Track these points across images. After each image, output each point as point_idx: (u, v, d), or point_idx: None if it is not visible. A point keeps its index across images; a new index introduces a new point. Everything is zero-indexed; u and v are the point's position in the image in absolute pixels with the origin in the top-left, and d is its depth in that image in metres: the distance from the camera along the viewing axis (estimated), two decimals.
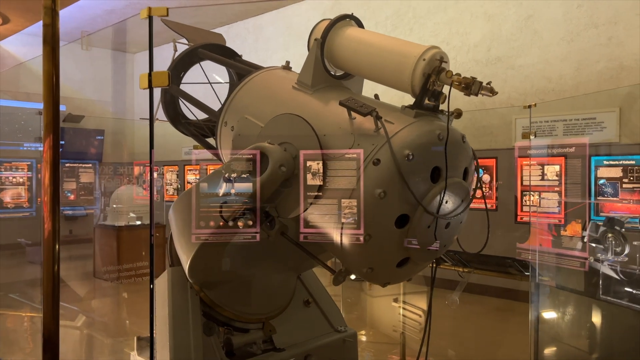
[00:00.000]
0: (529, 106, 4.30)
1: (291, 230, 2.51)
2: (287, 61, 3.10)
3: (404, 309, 5.17)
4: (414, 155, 2.13)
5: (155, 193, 11.80)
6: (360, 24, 2.79)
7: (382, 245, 2.24)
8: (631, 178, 5.90)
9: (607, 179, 6.02)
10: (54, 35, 1.62)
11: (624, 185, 5.92)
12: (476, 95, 2.28)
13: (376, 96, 2.74)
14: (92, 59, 13.41)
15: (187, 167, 12.88)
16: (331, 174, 2.28)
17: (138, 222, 7.93)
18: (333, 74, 2.76)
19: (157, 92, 3.35)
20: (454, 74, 2.33)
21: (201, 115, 3.69)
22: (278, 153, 2.34)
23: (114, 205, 8.12)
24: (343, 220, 2.21)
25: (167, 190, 13.42)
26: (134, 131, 14.29)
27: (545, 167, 6.39)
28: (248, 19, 10.96)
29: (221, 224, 2.48)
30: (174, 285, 2.93)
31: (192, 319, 2.83)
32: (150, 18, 1.94)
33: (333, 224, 2.26)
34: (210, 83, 3.43)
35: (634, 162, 5.86)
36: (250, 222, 2.38)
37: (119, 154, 13.09)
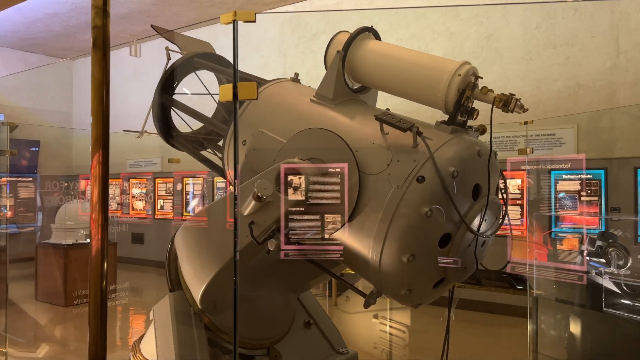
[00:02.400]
0: (525, 122, 4.41)
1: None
2: (295, 73, 2.98)
3: (383, 324, 5.11)
4: (458, 172, 2.08)
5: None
6: (378, 37, 2.72)
7: (424, 265, 2.16)
8: (589, 191, 6.20)
9: (567, 192, 6.30)
10: (105, 38, 1.43)
11: (582, 199, 6.22)
12: (512, 112, 2.27)
13: (387, 110, 2.67)
14: (27, 64, 12.55)
15: (132, 181, 12.28)
16: (368, 191, 2.18)
17: (88, 240, 7.38)
18: (351, 87, 2.67)
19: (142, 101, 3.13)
20: (488, 89, 2.32)
21: (190, 128, 3.49)
22: (312, 169, 2.21)
23: (62, 223, 7.53)
24: (384, 239, 2.11)
25: (109, 205, 12.72)
26: (72, 142, 13.47)
27: (508, 180, 6.60)
28: (201, 28, 10.66)
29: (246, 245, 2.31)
30: (177, 312, 2.71)
31: (199, 348, 2.63)
32: (234, 23, 1.75)
33: (371, 244, 2.15)
34: (211, 94, 3.23)
35: (591, 177, 6.17)
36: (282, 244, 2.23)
37: (57, 166, 12.28)
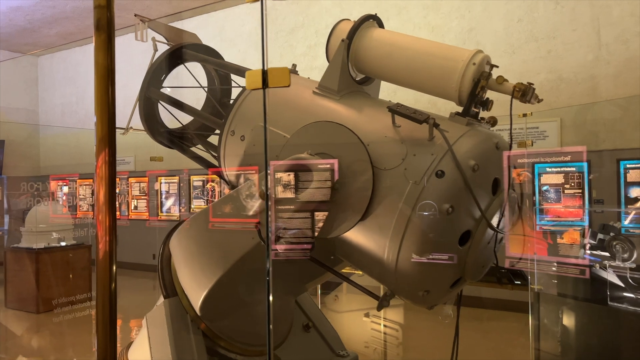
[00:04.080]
0: (524, 115, 4.35)
1: (317, 250, 2.24)
2: (293, 64, 2.83)
3: (375, 323, 5.01)
4: (479, 166, 1.97)
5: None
6: (381, 25, 2.60)
7: (444, 265, 2.05)
8: (572, 184, 6.23)
9: (550, 185, 6.32)
10: (110, 19, 1.27)
11: (566, 191, 6.25)
12: (529, 102, 2.18)
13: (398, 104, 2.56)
14: None
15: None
16: (382, 188, 2.05)
17: (63, 243, 7.07)
18: (354, 78, 2.54)
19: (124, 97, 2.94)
20: (504, 79, 2.22)
21: (180, 123, 3.30)
22: (323, 165, 2.07)
23: (33, 226, 7.18)
24: (402, 238, 1.99)
25: (80, 206, 12.23)
26: (39, 141, 12.95)
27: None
28: (174, 22, 10.33)
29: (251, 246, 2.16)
30: (173, 319, 2.55)
31: (197, 357, 2.48)
32: (261, 2, 1.58)
33: (386, 243, 2.03)
34: (203, 87, 3.05)
35: (574, 169, 6.20)
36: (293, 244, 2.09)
37: (24, 167, 11.77)
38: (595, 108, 5.92)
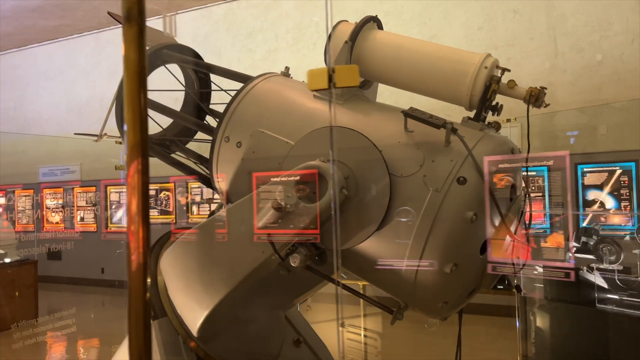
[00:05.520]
0: (508, 120, 4.39)
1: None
2: (286, 67, 2.69)
3: (351, 333, 4.92)
4: (498, 170, 1.93)
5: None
6: (381, 27, 2.51)
7: (465, 275, 1.98)
8: (533, 187, 6.41)
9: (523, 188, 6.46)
10: (141, 9, 1.11)
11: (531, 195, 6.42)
12: (540, 107, 2.16)
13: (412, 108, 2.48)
14: None
15: (45, 191, 11.12)
16: (399, 196, 1.95)
17: (7, 260, 6.53)
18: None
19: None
20: (515, 83, 2.20)
21: (161, 127, 3.08)
22: (338, 173, 1.96)
23: None
24: (423, 248, 1.90)
25: (19, 219, 11.42)
26: None
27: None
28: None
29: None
30: (165, 342, 2.35)
31: None
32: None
33: (405, 254, 1.93)
34: (189, 91, 2.85)
35: (535, 173, 6.38)
36: (305, 258, 1.95)
37: None
38: (560, 115, 6.11)
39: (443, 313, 2.13)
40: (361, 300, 4.67)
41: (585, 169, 6.17)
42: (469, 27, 6.83)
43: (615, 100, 6.00)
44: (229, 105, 2.40)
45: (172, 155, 2.92)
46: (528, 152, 2.07)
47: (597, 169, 6.13)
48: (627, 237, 4.85)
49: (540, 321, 3.81)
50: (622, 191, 6.04)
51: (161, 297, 2.43)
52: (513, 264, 2.15)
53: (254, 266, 1.99)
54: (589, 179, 6.15)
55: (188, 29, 9.23)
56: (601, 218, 5.96)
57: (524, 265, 2.68)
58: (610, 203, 6.11)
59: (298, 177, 1.95)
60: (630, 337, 2.93)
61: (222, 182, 2.44)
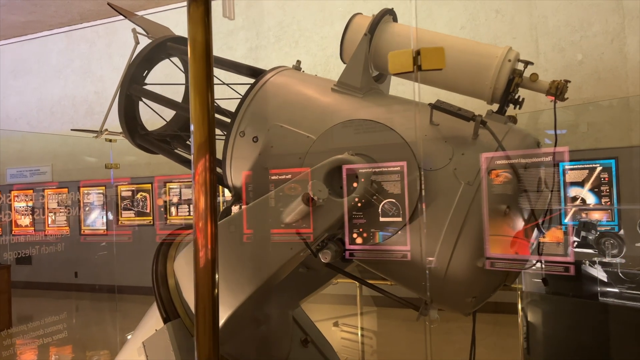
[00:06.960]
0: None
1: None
2: (298, 60, 2.63)
3: (345, 332, 4.88)
4: (528, 164, 1.92)
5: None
6: (396, 20, 2.49)
7: (496, 269, 1.97)
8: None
9: None
10: None
11: None
12: (562, 100, 2.17)
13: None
14: None
15: (14, 193, 10.68)
16: (430, 189, 1.92)
17: None
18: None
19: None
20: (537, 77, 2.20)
21: (165, 120, 2.97)
22: (367, 167, 1.91)
23: None
24: (456, 242, 1.87)
25: None
26: None
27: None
28: (97, 20, 9.61)
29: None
30: (180, 344, 2.27)
31: None
32: None
33: (436, 248, 1.90)
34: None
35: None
36: (336, 255, 1.90)
37: None
38: (544, 114, 6.21)
39: (470, 308, 2.11)
40: (357, 299, 4.64)
41: (566, 167, 6.29)
42: (452, 27, 6.88)
43: (595, 99, 6.15)
44: (243, 98, 2.32)
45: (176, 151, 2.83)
46: (555, 146, 2.06)
47: (578, 166, 6.26)
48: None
49: (541, 316, 3.84)
50: (602, 187, 6.19)
51: (173, 298, 2.34)
52: (540, 260, 2.14)
53: (281, 263, 1.93)
54: (570, 176, 6.29)
55: (166, 24, 9.02)
56: (582, 214, 6.09)
57: (534, 263, 2.70)
58: (591, 199, 6.25)
59: (326, 171, 1.91)
60: (632, 329, 2.98)
61: (236, 178, 2.37)
